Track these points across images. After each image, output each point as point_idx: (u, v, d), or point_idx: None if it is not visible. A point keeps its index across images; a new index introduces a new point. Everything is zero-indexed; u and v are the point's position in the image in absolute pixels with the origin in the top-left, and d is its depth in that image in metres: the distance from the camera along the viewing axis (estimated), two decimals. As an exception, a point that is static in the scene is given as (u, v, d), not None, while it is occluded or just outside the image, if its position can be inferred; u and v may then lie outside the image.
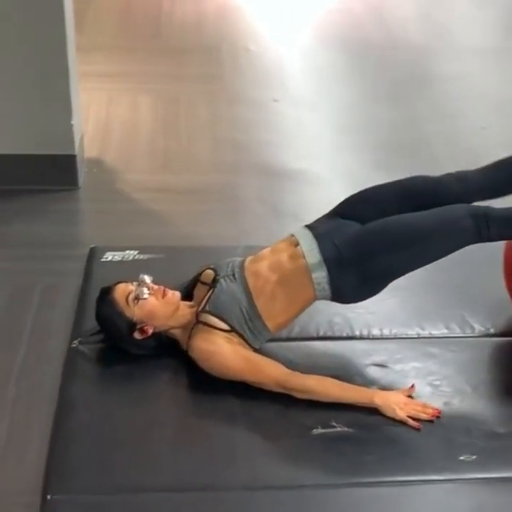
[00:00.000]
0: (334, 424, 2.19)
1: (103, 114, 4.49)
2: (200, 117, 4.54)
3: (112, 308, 2.39)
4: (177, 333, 2.43)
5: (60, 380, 2.42)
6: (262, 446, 2.16)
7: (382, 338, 2.56)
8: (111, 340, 2.46)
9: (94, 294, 2.66)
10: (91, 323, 2.51)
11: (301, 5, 6.64)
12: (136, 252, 3.01)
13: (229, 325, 2.32)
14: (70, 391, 2.34)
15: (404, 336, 2.57)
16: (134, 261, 2.96)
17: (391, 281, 2.34)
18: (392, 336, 2.56)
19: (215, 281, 2.41)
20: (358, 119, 4.63)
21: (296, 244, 2.39)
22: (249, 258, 2.45)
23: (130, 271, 2.85)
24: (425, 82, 5.13)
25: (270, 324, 2.34)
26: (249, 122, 4.51)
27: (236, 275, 2.39)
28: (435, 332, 2.58)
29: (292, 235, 2.44)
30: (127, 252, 3.01)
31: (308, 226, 2.45)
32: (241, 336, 2.32)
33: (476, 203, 2.38)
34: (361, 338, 2.56)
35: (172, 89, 4.88)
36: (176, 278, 2.65)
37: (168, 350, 2.44)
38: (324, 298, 2.35)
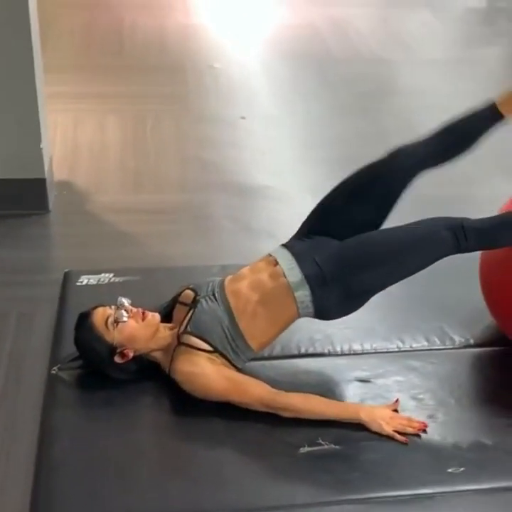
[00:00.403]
0: (321, 441, 2.18)
1: (70, 135, 4.46)
2: (167, 136, 4.53)
3: (91, 333, 2.36)
4: (158, 355, 2.41)
5: (40, 407, 2.39)
6: (249, 467, 2.14)
7: (363, 353, 2.56)
8: (91, 365, 2.43)
9: (71, 319, 2.63)
10: (69, 348, 2.48)
11: (263, 21, 6.69)
12: (111, 275, 2.99)
13: (211, 345, 2.30)
14: (51, 419, 2.30)
15: (385, 350, 2.57)
16: (109, 284, 2.94)
17: (374, 295, 2.34)
18: (373, 351, 2.57)
19: (195, 301, 2.39)
20: (324, 133, 4.66)
21: (275, 263, 2.39)
22: (228, 278, 2.44)
23: (107, 294, 2.84)
24: (389, 95, 5.20)
25: (253, 343, 2.33)
26: (216, 140, 4.51)
27: (217, 295, 2.38)
28: (415, 345, 2.58)
29: (270, 255, 2.44)
30: (102, 275, 2.99)
31: (285, 245, 2.46)
32: (224, 356, 2.30)
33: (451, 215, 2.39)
34: (342, 354, 2.56)
35: (138, 109, 4.87)
36: (153, 299, 2.63)
37: (149, 373, 2.42)
38: (307, 315, 2.35)
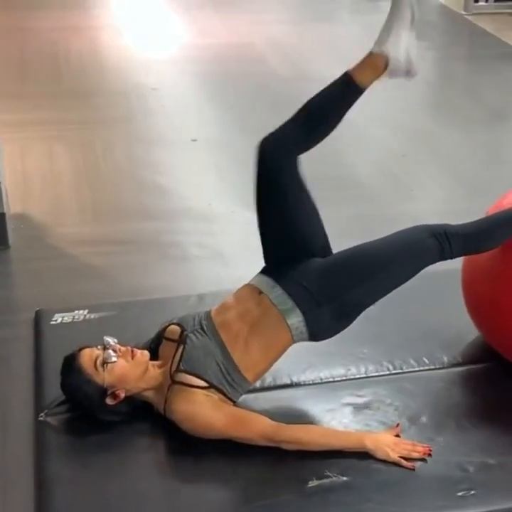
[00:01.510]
0: (328, 473, 2.15)
1: (19, 166, 4.33)
2: (120, 162, 4.45)
3: (80, 376, 2.28)
4: (150, 395, 2.34)
5: (31, 455, 2.30)
6: (257, 506, 2.09)
7: (355, 378, 2.54)
8: (80, 409, 2.35)
9: (51, 360, 2.57)
10: (54, 391, 2.40)
11: (203, 40, 6.66)
12: (85, 312, 2.91)
13: (206, 381, 2.24)
14: (47, 468, 2.22)
15: (377, 374, 2.56)
16: (85, 321, 2.86)
17: (365, 309, 2.33)
18: (365, 375, 2.55)
19: (183, 337, 2.34)
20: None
21: (259, 291, 2.34)
22: (214, 309, 2.39)
23: (84, 332, 2.77)
24: None
25: (249, 375, 2.29)
26: (170, 164, 4.46)
27: (205, 328, 2.32)
28: (406, 367, 2.58)
29: (250, 284, 2.39)
30: (76, 312, 2.91)
31: (265, 272, 2.41)
32: (220, 391, 2.25)
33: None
34: (334, 380, 2.54)
35: (86, 135, 4.77)
36: (133, 335, 2.58)
37: (141, 413, 2.35)
38: (301, 340, 2.32)
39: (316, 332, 2.31)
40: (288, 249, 2.35)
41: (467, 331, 2.67)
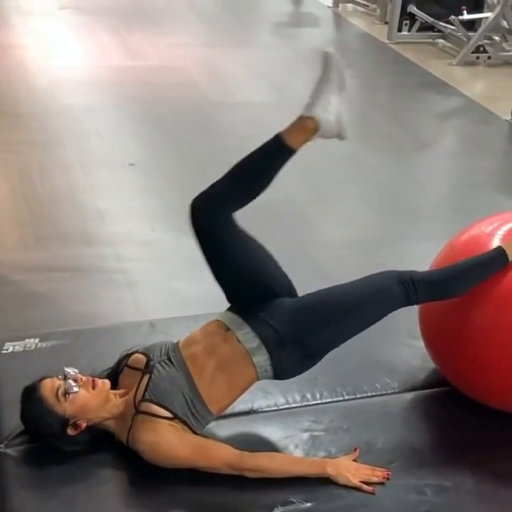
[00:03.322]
0: (293, 499, 2.20)
1: (-48, 190, 4.29)
2: (57, 186, 4.43)
3: (41, 407, 2.27)
4: (111, 424, 2.34)
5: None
6: (224, 534, 2.13)
7: (312, 404, 2.60)
8: (41, 439, 2.33)
9: (6, 390, 2.55)
10: (11, 422, 2.37)
11: (133, 62, 6.67)
12: (37, 340, 2.88)
13: (172, 412, 2.26)
14: (8, 501, 2.18)
15: (332, 400, 2.61)
16: (37, 350, 2.83)
17: (330, 351, 2.39)
18: (320, 402, 2.61)
19: (149, 366, 2.35)
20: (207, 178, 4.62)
21: (226, 328, 2.37)
22: (181, 341, 2.41)
23: (37, 361, 2.74)
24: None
25: (213, 408, 2.31)
26: (108, 188, 4.46)
27: (173, 360, 2.34)
28: (359, 393, 2.65)
29: (218, 320, 2.42)
30: (27, 340, 2.87)
31: (232, 310, 2.43)
32: (184, 422, 2.27)
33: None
34: (292, 407, 2.58)
35: (20, 158, 4.75)
36: (88, 363, 2.58)
37: (102, 443, 2.35)
38: (266, 378, 2.36)
39: (281, 371, 2.34)
40: (249, 294, 2.38)
41: (416, 357, 2.77)
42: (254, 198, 2.37)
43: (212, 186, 2.35)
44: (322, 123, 2.32)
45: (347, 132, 2.36)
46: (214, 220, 2.33)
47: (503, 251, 2.48)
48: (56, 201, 4.25)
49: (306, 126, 2.33)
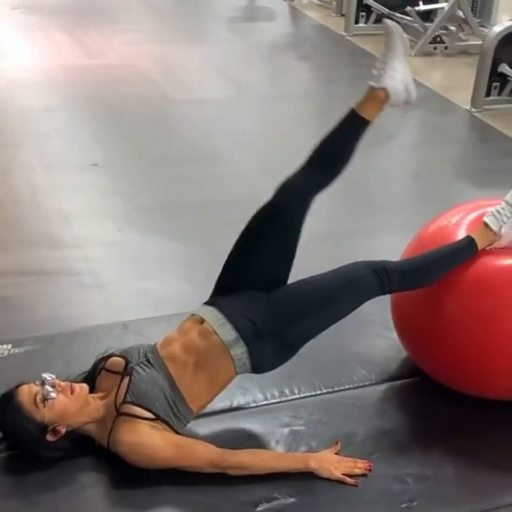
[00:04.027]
0: (276, 495, 2.21)
1: None
2: (19, 189, 4.36)
3: (19, 414, 2.25)
4: (91, 428, 2.33)
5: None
6: (210, 533, 2.13)
7: (290, 399, 2.61)
8: (20, 446, 2.31)
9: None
10: (-12, 431, 2.35)
11: (90, 61, 6.61)
12: (9, 346, 2.85)
13: (153, 413, 2.25)
14: (-9, 511, 2.18)
15: (310, 395, 2.63)
16: (11, 356, 2.80)
17: (307, 342, 2.40)
18: (298, 396, 2.62)
19: (128, 369, 2.34)
20: (172, 176, 4.60)
21: (201, 321, 2.37)
22: (159, 343, 2.40)
23: (11, 368, 2.72)
24: (233, 136, 5.16)
25: (194, 406, 2.31)
26: (72, 190, 4.40)
27: (152, 361, 2.33)
28: (337, 387, 2.66)
29: (193, 314, 2.42)
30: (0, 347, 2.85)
31: (208, 303, 2.44)
32: (166, 422, 2.26)
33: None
34: (271, 403, 2.60)
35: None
36: (62, 368, 2.55)
37: (83, 448, 2.33)
38: (244, 372, 2.36)
39: (259, 364, 2.35)
40: (255, 283, 2.40)
41: (391, 348, 2.80)
42: (338, 176, 2.51)
43: (299, 172, 2.48)
44: (392, 92, 2.45)
45: (414, 96, 2.50)
46: (301, 207, 2.45)
47: (473, 240, 2.53)
48: (19, 204, 4.19)
49: (378, 97, 2.47)
